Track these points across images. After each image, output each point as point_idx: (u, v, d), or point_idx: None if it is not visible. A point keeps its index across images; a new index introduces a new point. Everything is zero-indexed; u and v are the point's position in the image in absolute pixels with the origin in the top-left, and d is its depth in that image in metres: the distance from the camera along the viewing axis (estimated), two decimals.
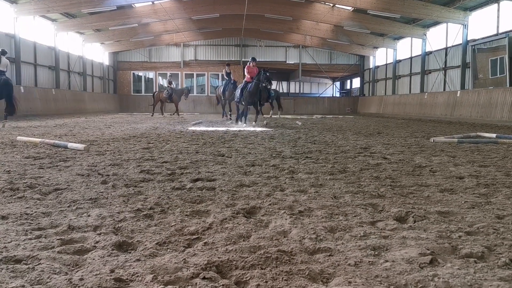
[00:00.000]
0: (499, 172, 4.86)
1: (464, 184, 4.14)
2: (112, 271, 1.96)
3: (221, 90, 19.99)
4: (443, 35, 24.43)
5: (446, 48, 24.05)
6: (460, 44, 22.11)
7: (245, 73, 14.99)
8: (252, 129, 12.96)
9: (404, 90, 29.27)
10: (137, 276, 1.91)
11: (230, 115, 20.07)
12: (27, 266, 2.01)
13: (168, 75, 27.28)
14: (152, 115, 24.06)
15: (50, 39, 25.15)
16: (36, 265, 2.01)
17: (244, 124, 14.77)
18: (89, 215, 2.91)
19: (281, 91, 46.71)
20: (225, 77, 20.03)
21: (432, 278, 1.89)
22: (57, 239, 2.39)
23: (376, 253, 2.23)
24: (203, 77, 36.09)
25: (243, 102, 14.90)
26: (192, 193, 3.66)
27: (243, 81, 15.20)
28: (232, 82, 19.14)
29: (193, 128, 13.16)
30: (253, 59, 15.20)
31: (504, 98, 17.16)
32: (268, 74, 13.86)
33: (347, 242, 2.41)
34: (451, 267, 2.02)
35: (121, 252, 2.27)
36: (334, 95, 44.56)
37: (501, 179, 4.40)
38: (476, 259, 2.13)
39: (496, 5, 19.47)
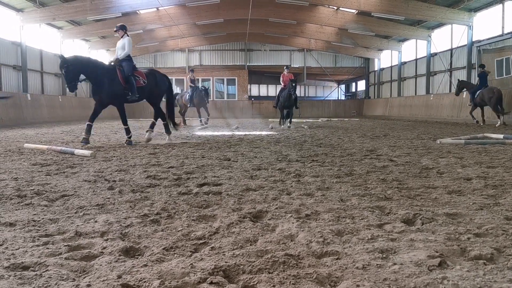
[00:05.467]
0: (507, 173, 4.82)
1: (472, 186, 4.11)
2: (119, 277, 1.96)
3: (187, 97, 18.73)
4: (448, 37, 24.36)
5: (451, 50, 23.97)
6: (465, 45, 22.03)
7: (281, 81, 16.79)
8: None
9: (410, 92, 29.18)
10: (144, 281, 1.91)
11: (207, 119, 19.23)
12: (35, 273, 2.01)
13: None
14: None
15: (56, 47, 25.34)
16: (43, 272, 2.02)
17: (282, 126, 16.51)
18: (96, 221, 2.91)
19: None
20: (190, 84, 19.18)
21: (441, 280, 1.87)
22: (65, 246, 2.40)
23: (384, 256, 2.21)
24: (208, 82, 36.15)
25: (279, 108, 16.85)
26: (198, 198, 3.66)
27: (280, 89, 17.05)
28: (201, 88, 18.77)
29: (199, 133, 13.18)
30: (287, 67, 17.09)
31: (510, 98, 17.04)
32: (294, 84, 15.82)
33: (355, 245, 2.39)
34: (460, 269, 2.01)
35: (128, 257, 2.27)
36: (339, 98, 44.48)
37: (509, 180, 4.36)
38: (485, 261, 2.11)
39: (500, 5, 19.39)
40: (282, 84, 16.77)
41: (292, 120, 17.34)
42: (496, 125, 15.41)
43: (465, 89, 18.01)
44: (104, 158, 6.53)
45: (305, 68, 37.30)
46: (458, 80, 18.57)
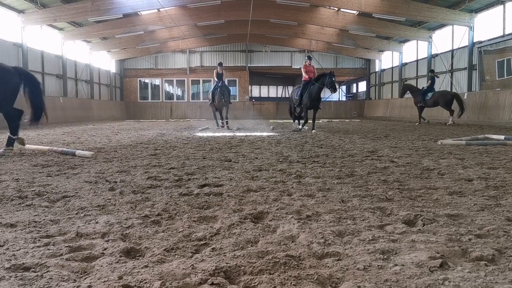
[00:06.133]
0: (508, 174, 4.81)
1: (473, 187, 4.11)
2: (120, 278, 1.96)
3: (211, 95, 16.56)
4: (449, 38, 24.35)
5: (452, 51, 23.96)
6: (466, 46, 22.02)
7: (303, 73, 14.18)
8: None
9: None
10: (145, 282, 1.90)
11: (226, 122, 16.56)
12: (36, 273, 2.01)
13: None
14: None
15: (57, 48, 25.38)
16: (44, 273, 2.02)
17: (300, 127, 14.42)
18: (97, 222, 2.91)
19: (287, 96, 46.67)
20: (215, 78, 16.60)
21: (443, 282, 1.87)
22: (65, 246, 2.40)
23: (385, 257, 2.21)
24: (209, 83, 36.17)
25: (302, 106, 14.20)
26: (199, 199, 3.66)
27: (302, 82, 14.39)
28: (221, 84, 16.24)
29: (200, 134, 13.18)
30: (309, 57, 14.57)
31: (511, 99, 17.04)
32: (334, 78, 13.09)
33: (356, 246, 2.39)
34: (462, 271, 2.00)
35: (129, 258, 2.27)
36: (340, 99, 44.49)
37: (510, 181, 4.35)
38: (486, 262, 2.11)
39: (501, 6, 19.39)
40: (306, 76, 13.99)
41: (296, 121, 15.15)
42: (447, 124, 17.78)
43: (408, 92, 20.00)
44: (105, 159, 6.53)
45: None
46: (403, 83, 20.16)
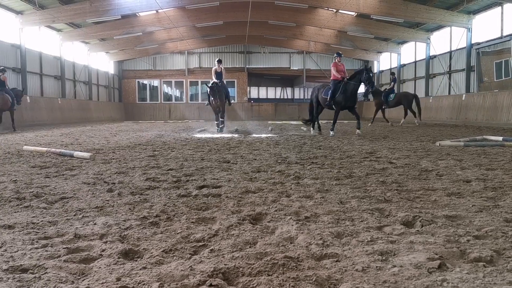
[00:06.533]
0: (507, 175, 4.82)
1: (472, 188, 4.11)
2: (118, 279, 1.96)
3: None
4: (447, 39, 24.39)
5: (450, 52, 23.99)
6: (464, 47, 22.05)
7: (333, 72, 12.89)
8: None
9: None
10: (144, 284, 1.90)
11: (222, 122, 15.23)
12: (34, 275, 2.01)
13: None
14: None
15: (55, 49, 25.34)
16: (42, 274, 2.01)
17: (314, 132, 13.23)
18: (95, 224, 2.91)
19: (285, 97, 46.71)
20: (213, 77, 15.11)
21: (441, 283, 1.87)
22: (63, 248, 2.39)
23: (384, 258, 2.21)
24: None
25: (333, 106, 12.85)
26: (198, 200, 3.66)
27: (331, 81, 13.05)
28: (215, 83, 14.67)
29: (198, 135, 13.17)
30: (339, 54, 13.16)
31: (509, 100, 17.06)
32: (371, 74, 12.17)
33: (354, 247, 2.39)
34: (460, 272, 2.00)
35: (127, 260, 2.26)
36: None
37: (508, 182, 4.36)
38: (485, 263, 2.11)
39: (499, 8, 19.43)
40: (337, 75, 12.73)
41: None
42: (415, 122, 19.42)
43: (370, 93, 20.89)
44: (103, 161, 6.52)
45: (305, 70, 37.34)
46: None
